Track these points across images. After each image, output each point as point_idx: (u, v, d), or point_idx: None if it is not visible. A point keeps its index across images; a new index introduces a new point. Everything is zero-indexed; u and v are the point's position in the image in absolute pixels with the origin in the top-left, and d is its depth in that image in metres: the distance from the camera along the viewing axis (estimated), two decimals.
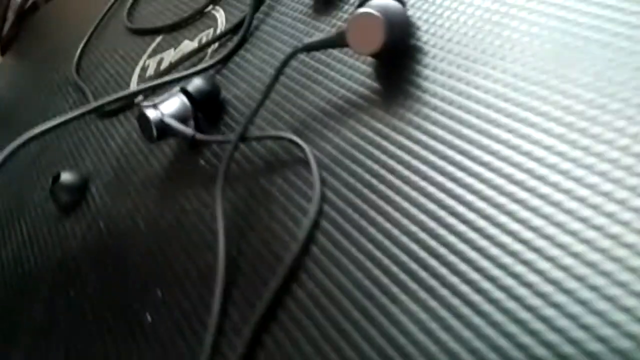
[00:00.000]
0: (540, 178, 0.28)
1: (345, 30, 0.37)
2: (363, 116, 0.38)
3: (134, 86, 0.61)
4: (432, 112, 0.35)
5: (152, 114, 0.44)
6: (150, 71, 0.61)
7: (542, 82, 0.31)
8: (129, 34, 0.70)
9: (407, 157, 0.34)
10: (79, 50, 0.75)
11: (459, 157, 0.32)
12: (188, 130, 0.44)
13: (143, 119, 0.45)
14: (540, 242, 0.26)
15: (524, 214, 0.27)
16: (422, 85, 0.37)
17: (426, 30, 0.39)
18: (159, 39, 0.65)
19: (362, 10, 0.36)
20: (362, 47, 0.37)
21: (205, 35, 0.58)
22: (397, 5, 0.38)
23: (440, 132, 0.34)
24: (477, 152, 0.31)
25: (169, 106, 0.46)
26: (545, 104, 0.31)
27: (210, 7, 0.61)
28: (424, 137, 0.34)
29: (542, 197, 0.27)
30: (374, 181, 0.35)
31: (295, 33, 0.49)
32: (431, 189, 0.32)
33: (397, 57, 0.39)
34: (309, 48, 0.40)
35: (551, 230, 0.26)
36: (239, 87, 0.49)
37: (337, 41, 0.39)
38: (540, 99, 0.31)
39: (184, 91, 0.47)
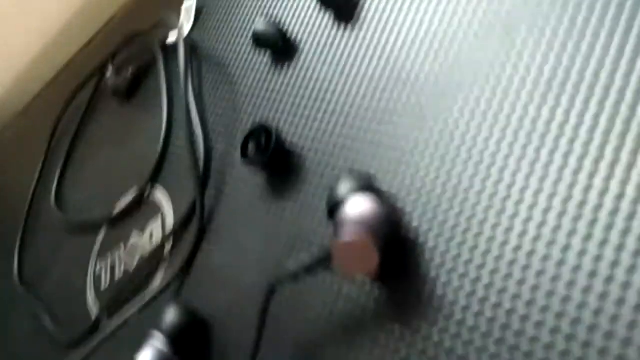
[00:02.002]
0: None
1: (329, 256, 0.32)
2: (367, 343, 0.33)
3: (91, 302, 0.54)
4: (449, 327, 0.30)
5: None
6: (104, 282, 0.54)
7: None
8: (67, 229, 0.63)
9: None
10: (16, 254, 0.67)
11: None
12: None
13: None
14: None
15: None
16: (426, 291, 0.32)
17: (414, 217, 0.34)
18: (102, 233, 0.58)
19: (347, 236, 0.31)
20: (353, 273, 0.32)
21: (155, 226, 0.52)
22: (378, 204, 0.33)
23: None
24: None
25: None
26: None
27: (149, 187, 0.55)
28: None
29: None
30: None
31: (256, 216, 0.43)
32: None
33: (391, 257, 0.34)
34: (290, 279, 0.34)
35: None
36: (214, 301, 0.43)
37: (322, 266, 0.33)
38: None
39: (158, 333, 0.40)
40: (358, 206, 0.32)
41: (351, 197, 0.33)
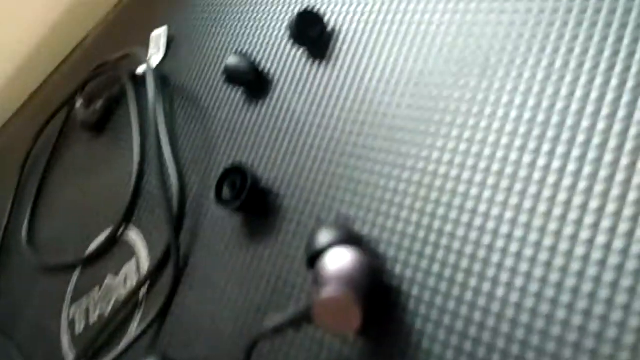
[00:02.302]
0: None
1: (310, 311, 0.31)
2: None
3: (66, 347, 0.52)
4: None
5: None
6: (79, 327, 0.52)
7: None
8: (40, 269, 0.60)
9: None
10: None
11: None
12: None
13: None
14: None
15: None
16: (411, 344, 0.30)
17: (397, 263, 0.33)
18: (76, 275, 0.56)
19: (328, 294, 0.29)
20: (337, 330, 0.30)
21: (129, 269, 0.50)
22: (359, 256, 0.31)
23: None
24: None
25: None
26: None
27: (123, 227, 0.53)
28: None
29: None
30: None
31: (234, 260, 0.42)
32: None
33: (374, 307, 0.32)
34: (270, 335, 0.33)
35: None
36: (192, 350, 0.41)
37: (303, 321, 0.32)
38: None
39: None
40: (338, 260, 0.31)
41: (331, 249, 0.32)
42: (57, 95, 0.71)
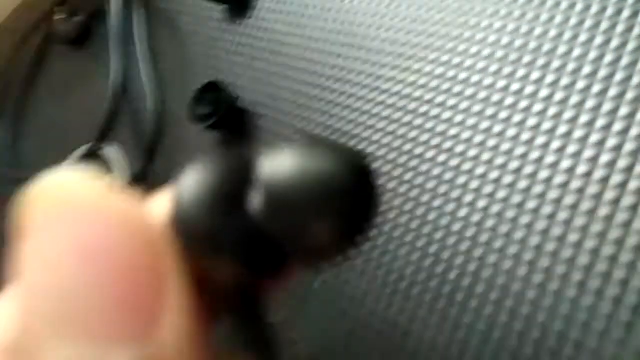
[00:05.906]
0: None
1: None
2: None
3: None
4: None
5: None
6: None
7: None
8: (19, 183, 0.60)
9: None
10: None
11: None
12: None
13: None
14: None
15: None
16: None
17: None
18: None
19: None
20: None
21: None
22: None
23: None
24: None
25: None
26: None
27: (101, 144, 0.53)
28: None
29: None
30: None
31: None
32: None
33: None
34: None
35: None
36: None
37: None
38: None
39: None
40: None
41: None
42: (40, 10, 0.69)
